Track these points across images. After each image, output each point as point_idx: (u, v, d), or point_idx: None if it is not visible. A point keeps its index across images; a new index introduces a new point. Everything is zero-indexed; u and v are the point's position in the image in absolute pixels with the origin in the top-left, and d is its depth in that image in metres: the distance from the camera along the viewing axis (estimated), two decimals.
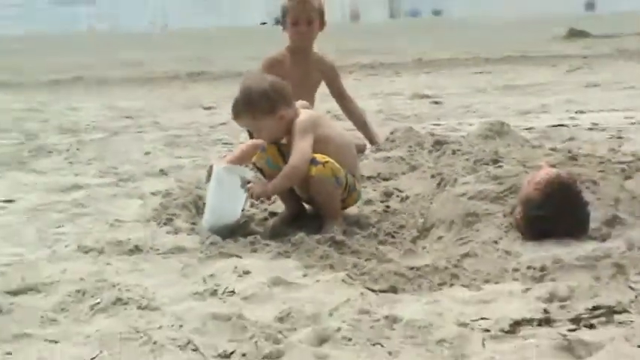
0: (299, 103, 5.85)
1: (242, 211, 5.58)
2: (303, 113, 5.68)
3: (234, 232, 5.48)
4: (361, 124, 8.01)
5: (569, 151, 6.68)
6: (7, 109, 12.38)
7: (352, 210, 5.81)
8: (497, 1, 30.54)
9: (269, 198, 5.72)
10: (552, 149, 7.07)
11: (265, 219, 5.89)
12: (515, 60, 15.84)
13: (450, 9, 29.88)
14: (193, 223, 5.77)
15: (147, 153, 8.47)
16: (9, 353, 3.87)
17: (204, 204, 5.75)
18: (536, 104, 10.62)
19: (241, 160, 5.78)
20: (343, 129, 6.48)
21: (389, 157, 6.77)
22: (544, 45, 18.04)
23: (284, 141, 5.70)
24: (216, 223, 5.53)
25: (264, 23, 28.84)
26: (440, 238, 5.25)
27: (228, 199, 5.57)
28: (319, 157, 5.48)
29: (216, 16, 31.09)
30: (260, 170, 5.66)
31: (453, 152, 6.71)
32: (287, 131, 5.65)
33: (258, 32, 26.79)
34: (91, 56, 20.29)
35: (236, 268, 4.84)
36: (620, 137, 7.91)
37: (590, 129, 8.50)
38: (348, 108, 8.05)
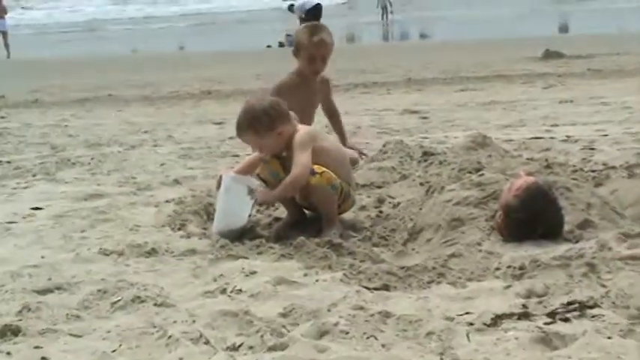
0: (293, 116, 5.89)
1: (249, 216, 5.59)
2: (302, 129, 5.72)
3: (242, 235, 5.48)
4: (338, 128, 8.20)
5: (545, 161, 6.67)
6: (38, 125, 12.37)
7: (348, 215, 5.82)
8: (478, 26, 30.57)
9: (272, 204, 5.74)
10: (530, 159, 7.07)
11: (270, 224, 5.89)
12: (496, 78, 15.80)
13: (436, 33, 29.96)
14: (204, 228, 5.78)
15: (162, 164, 8.47)
16: (37, 347, 3.88)
17: (214, 210, 5.75)
18: (515, 119, 10.62)
19: (248, 170, 5.78)
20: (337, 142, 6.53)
21: (381, 167, 6.77)
22: (522, 64, 18.01)
23: (284, 154, 5.72)
24: (225, 227, 5.54)
25: (269, 46, 28.79)
26: (428, 240, 5.26)
27: (236, 205, 5.57)
28: (316, 167, 5.54)
29: (226, 40, 31.17)
30: (264, 180, 5.67)
31: (440, 162, 6.71)
32: (286, 145, 5.69)
33: (264, 54, 26.74)
34: (111, 77, 20.24)
35: (243, 268, 4.88)
36: (591, 148, 7.91)
37: (564, 141, 8.49)
38: (334, 116, 8.15)
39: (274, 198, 5.65)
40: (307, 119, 7.65)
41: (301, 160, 5.54)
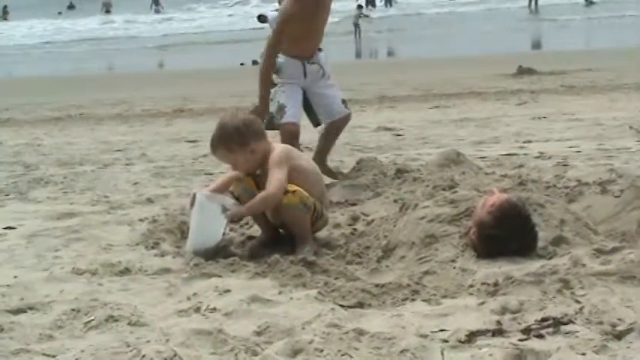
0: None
1: (223, 234, 5.59)
2: (278, 147, 5.74)
3: (216, 253, 5.48)
4: None
5: (519, 178, 6.70)
6: (9, 144, 12.34)
7: (322, 233, 5.83)
8: (451, 43, 30.63)
9: (241, 219, 5.75)
10: (503, 176, 7.10)
11: (244, 242, 5.89)
12: (469, 95, 15.87)
13: (408, 51, 29.97)
14: (178, 247, 5.77)
15: (135, 183, 8.46)
16: None
17: (187, 229, 5.75)
18: (488, 135, 10.66)
19: (222, 189, 5.79)
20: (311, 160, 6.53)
21: (355, 185, 6.79)
22: (495, 81, 18.09)
23: (258, 172, 5.73)
24: (200, 246, 5.54)
25: (243, 64, 28.77)
26: (402, 257, 5.26)
27: (209, 223, 5.57)
28: (288, 186, 5.56)
29: (201, 58, 31.23)
30: (237, 198, 5.67)
31: (414, 179, 6.74)
32: (261, 163, 5.69)
33: (238, 72, 26.74)
34: (84, 95, 20.21)
35: (217, 287, 4.87)
36: (564, 165, 7.95)
37: (537, 157, 8.53)
38: None
39: (245, 212, 5.66)
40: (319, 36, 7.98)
41: (277, 177, 5.55)
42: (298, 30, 7.76)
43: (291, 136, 7.64)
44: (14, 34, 51.36)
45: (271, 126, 7.76)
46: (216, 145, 5.76)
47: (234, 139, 5.67)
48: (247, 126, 5.72)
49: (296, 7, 7.69)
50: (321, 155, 7.89)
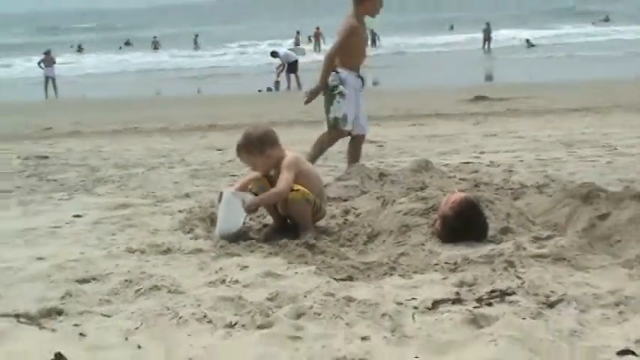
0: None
1: (243, 223, 5.57)
2: (289, 154, 5.73)
3: (238, 237, 5.47)
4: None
5: (474, 181, 6.70)
6: (78, 150, 12.33)
7: (320, 222, 5.81)
8: (422, 76, 30.76)
9: (256, 209, 5.74)
10: (462, 179, 7.10)
11: (260, 229, 5.87)
12: (437, 117, 15.85)
13: (387, 81, 30.18)
14: (208, 232, 5.75)
15: (175, 182, 8.45)
16: (76, 325, 3.86)
17: (216, 218, 5.73)
18: (450, 148, 10.65)
19: (243, 188, 5.78)
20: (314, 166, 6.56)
21: (347, 185, 6.78)
22: (457, 106, 18.09)
23: (272, 173, 5.72)
24: (225, 231, 5.53)
25: (260, 90, 28.82)
26: (383, 241, 5.27)
27: (233, 214, 5.56)
28: (294, 185, 5.57)
29: (228, 86, 31.38)
30: (254, 194, 5.67)
31: (392, 181, 6.73)
32: (274, 166, 5.69)
33: (256, 97, 26.80)
34: (137, 113, 20.23)
35: (238, 264, 4.89)
36: (510, 171, 7.94)
37: (489, 165, 8.52)
38: None
39: (259, 203, 5.66)
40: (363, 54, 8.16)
41: (286, 178, 5.56)
42: (355, 44, 7.91)
43: (341, 137, 8.17)
44: (85, 64, 51.40)
45: (335, 126, 8.05)
46: (241, 149, 5.78)
47: (256, 145, 5.69)
48: (266, 136, 5.74)
49: (356, 25, 7.85)
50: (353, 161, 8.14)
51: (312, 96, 8.18)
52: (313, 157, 8.06)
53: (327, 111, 8.04)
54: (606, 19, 63.39)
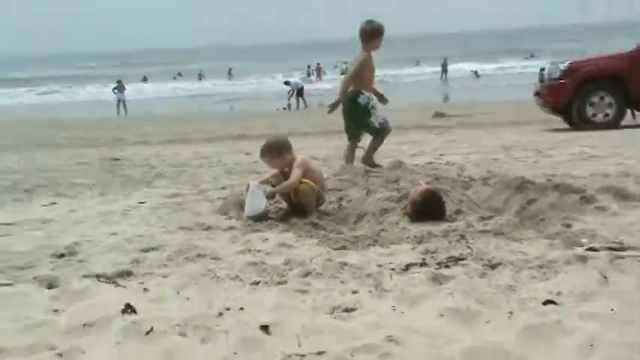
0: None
1: (264, 207, 5.57)
2: (299, 157, 5.75)
3: (260, 218, 5.46)
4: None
5: (435, 176, 6.67)
6: (142, 154, 12.35)
7: (322, 207, 5.79)
8: (393, 98, 31.25)
9: (274, 196, 5.74)
10: (427, 174, 7.06)
11: (277, 212, 5.86)
12: (408, 127, 15.80)
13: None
14: (239, 214, 5.74)
15: (214, 177, 8.47)
16: (141, 283, 3.88)
17: (244, 204, 5.73)
18: (418, 150, 10.63)
19: (265, 181, 5.78)
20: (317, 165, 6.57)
21: (341, 179, 6.75)
22: (423, 120, 18.11)
23: (286, 170, 5.73)
24: (251, 214, 5.52)
25: (278, 109, 28.97)
26: (368, 221, 5.26)
27: (256, 201, 5.56)
28: (303, 179, 5.56)
29: (252, 106, 31.52)
30: (273, 185, 5.67)
31: (375, 176, 6.70)
32: (288, 165, 5.70)
33: (275, 114, 26.85)
34: (186, 127, 20.29)
35: (260, 237, 4.89)
36: (462, 168, 7.91)
37: (446, 164, 8.49)
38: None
39: (276, 191, 5.66)
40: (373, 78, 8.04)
41: (296, 174, 5.58)
42: (369, 72, 7.90)
43: (388, 135, 8.21)
44: (148, 90, 51.53)
45: (384, 129, 8.07)
46: (264, 153, 5.79)
47: (275, 150, 5.71)
48: (282, 143, 5.77)
49: (367, 57, 7.82)
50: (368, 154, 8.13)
51: (333, 107, 8.17)
52: (368, 159, 8.04)
53: (368, 123, 7.96)
54: (532, 55, 63.45)
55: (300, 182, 5.57)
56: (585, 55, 14.94)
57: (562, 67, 13.51)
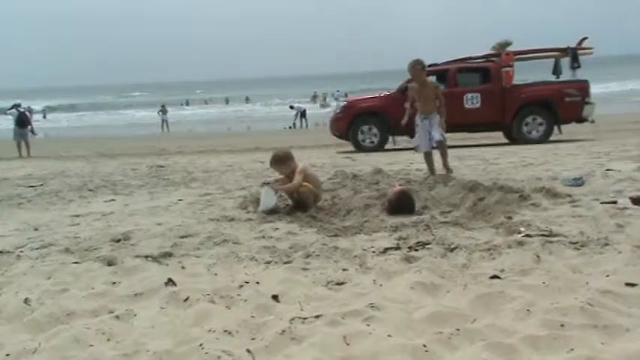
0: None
1: (274, 204, 5.56)
2: (300, 164, 5.74)
3: (272, 212, 5.45)
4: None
5: (407, 179, 6.68)
6: (181, 162, 12.34)
7: (319, 204, 5.79)
8: None
9: (278, 192, 5.72)
10: (400, 178, 7.07)
11: (284, 207, 5.85)
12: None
13: None
14: (255, 209, 5.73)
15: (236, 180, 8.45)
16: (179, 262, 3.87)
17: (259, 200, 5.73)
18: (393, 160, 10.62)
19: (274, 182, 5.78)
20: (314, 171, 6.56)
21: (334, 182, 6.76)
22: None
23: (290, 175, 5.73)
24: (264, 208, 5.51)
25: (284, 128, 28.85)
26: (355, 214, 5.25)
27: (269, 198, 5.56)
28: (304, 183, 5.56)
29: (265, 126, 31.46)
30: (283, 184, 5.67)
31: (360, 180, 6.71)
32: (292, 172, 5.69)
33: (283, 131, 26.80)
34: (215, 141, 20.24)
35: (272, 227, 4.87)
36: (427, 173, 7.88)
37: (417, 170, 8.47)
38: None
39: (282, 189, 5.65)
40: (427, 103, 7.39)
41: (297, 178, 5.58)
42: (416, 97, 7.50)
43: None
44: (186, 113, 51.19)
45: (445, 142, 7.52)
46: (273, 162, 5.78)
47: (281, 160, 5.71)
48: (287, 155, 5.75)
49: (413, 88, 7.54)
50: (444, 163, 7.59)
51: (408, 119, 7.70)
52: (446, 163, 7.61)
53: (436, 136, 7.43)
54: None
55: (301, 185, 5.55)
56: (362, 95, 15.69)
57: (342, 104, 14.48)
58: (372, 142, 13.78)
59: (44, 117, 51.26)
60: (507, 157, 10.05)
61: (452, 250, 3.84)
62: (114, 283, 3.48)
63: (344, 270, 3.54)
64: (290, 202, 5.88)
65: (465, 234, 4.28)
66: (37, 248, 4.44)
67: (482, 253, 3.74)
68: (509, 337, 2.46)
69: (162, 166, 11.28)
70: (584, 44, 14.03)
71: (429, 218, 4.84)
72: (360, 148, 13.69)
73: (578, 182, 6.24)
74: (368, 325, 2.64)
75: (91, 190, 7.94)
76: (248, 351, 2.43)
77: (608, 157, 8.74)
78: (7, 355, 2.53)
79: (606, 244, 3.75)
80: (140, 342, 2.59)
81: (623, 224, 4.24)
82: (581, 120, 13.39)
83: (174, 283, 3.34)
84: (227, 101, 63.49)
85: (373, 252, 3.90)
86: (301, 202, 5.68)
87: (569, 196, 5.46)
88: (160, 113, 34.49)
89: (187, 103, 63.45)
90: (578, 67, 13.90)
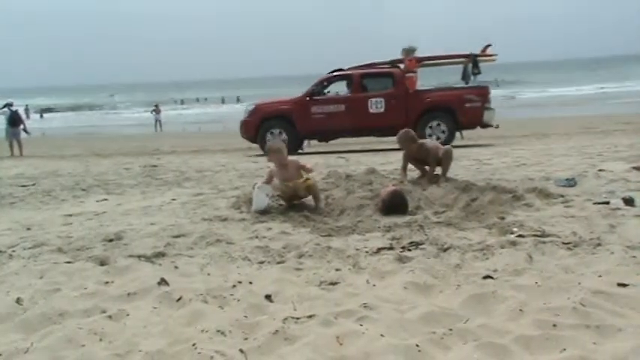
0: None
1: (266, 204, 5.54)
2: (291, 158, 5.82)
3: (264, 212, 5.45)
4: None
5: (401, 180, 6.67)
6: (174, 162, 12.30)
7: (310, 204, 5.78)
8: None
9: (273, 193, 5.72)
10: (394, 178, 7.07)
11: (277, 207, 5.84)
12: (376, 144, 15.84)
13: None
14: (248, 209, 5.72)
15: (230, 180, 8.43)
16: (172, 262, 3.86)
17: (252, 200, 5.72)
18: (386, 161, 10.63)
19: (267, 181, 5.74)
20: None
21: (327, 182, 6.74)
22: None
23: (284, 163, 5.73)
24: (257, 208, 5.50)
25: None
26: (348, 214, 5.25)
27: (261, 197, 5.55)
28: (308, 176, 5.60)
29: None
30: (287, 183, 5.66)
31: (354, 180, 6.69)
32: (285, 161, 5.71)
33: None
34: (209, 141, 20.18)
35: (265, 227, 4.87)
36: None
37: (409, 171, 8.50)
38: None
39: (316, 195, 5.62)
40: None
41: (311, 178, 5.68)
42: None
43: None
44: (184, 113, 50.85)
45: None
46: (270, 153, 5.72)
47: (277, 151, 5.67)
48: (280, 148, 5.72)
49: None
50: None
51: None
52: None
53: None
54: (497, 85, 61.26)
55: (307, 179, 5.54)
56: (270, 98, 15.80)
57: (249, 108, 14.40)
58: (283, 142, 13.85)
59: (41, 116, 50.95)
60: (500, 157, 10.09)
61: (445, 250, 3.84)
62: (106, 282, 3.47)
63: (337, 270, 3.54)
64: (283, 202, 5.88)
65: (458, 234, 4.29)
66: (29, 248, 4.42)
67: (475, 253, 3.75)
68: (502, 338, 2.46)
69: (155, 166, 11.24)
70: (488, 51, 14.42)
71: (422, 218, 4.85)
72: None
73: (570, 183, 6.27)
74: (361, 325, 2.65)
75: (83, 190, 7.91)
76: (241, 351, 2.42)
77: (600, 157, 8.79)
78: None
79: (599, 245, 3.77)
80: (133, 342, 2.58)
81: (615, 225, 4.26)
82: (483, 125, 13.70)
83: (167, 283, 3.33)
84: (223, 101, 63.23)
85: (366, 252, 3.90)
86: (314, 195, 5.59)
87: (562, 196, 5.48)
88: (153, 113, 34.38)
89: (182, 102, 63.16)
90: (479, 73, 14.30)
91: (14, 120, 18.51)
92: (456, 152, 7.38)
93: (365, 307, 2.84)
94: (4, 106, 19.53)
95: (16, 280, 3.60)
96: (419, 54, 14.04)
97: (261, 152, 13.71)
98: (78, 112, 59.81)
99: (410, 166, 6.98)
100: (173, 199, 6.66)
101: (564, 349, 2.34)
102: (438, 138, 13.37)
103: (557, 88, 48.37)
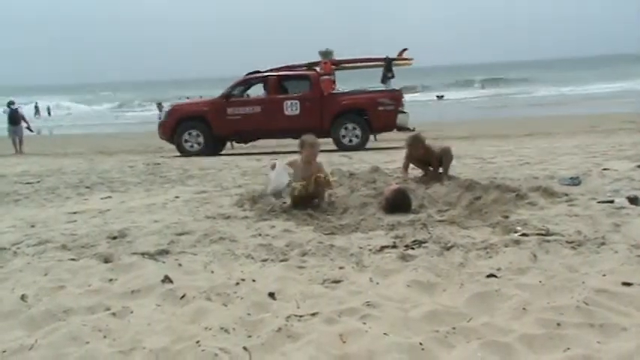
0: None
1: (286, 183, 5.53)
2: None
3: (280, 196, 5.45)
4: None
5: (404, 178, 6.66)
6: (178, 160, 12.31)
7: (315, 201, 5.77)
8: None
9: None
10: (397, 177, 7.06)
11: (281, 205, 5.83)
12: (380, 143, 15.82)
13: None
14: (252, 207, 5.71)
15: (233, 178, 8.43)
16: (176, 259, 3.86)
17: (259, 196, 5.69)
18: (390, 159, 10.62)
19: (289, 163, 5.62)
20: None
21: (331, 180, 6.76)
22: (391, 135, 18.08)
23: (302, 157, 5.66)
24: (274, 190, 5.48)
25: None
26: (351, 212, 5.24)
27: (282, 178, 5.52)
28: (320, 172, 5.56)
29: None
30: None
31: (357, 178, 6.70)
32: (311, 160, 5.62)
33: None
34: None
35: (269, 225, 4.87)
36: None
37: (412, 169, 8.49)
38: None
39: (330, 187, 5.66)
40: None
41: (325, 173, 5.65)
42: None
43: None
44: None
45: None
46: (305, 145, 5.57)
47: (312, 145, 5.56)
48: (316, 143, 5.62)
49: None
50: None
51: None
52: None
53: None
54: (483, 87, 61.45)
55: (326, 175, 5.54)
56: (187, 100, 15.91)
57: (166, 109, 14.55)
58: (193, 146, 13.92)
59: (49, 114, 50.99)
60: (504, 155, 10.06)
61: (448, 248, 3.84)
62: (110, 280, 3.48)
63: (340, 268, 3.54)
64: (287, 200, 5.87)
65: (461, 233, 4.28)
66: (33, 245, 4.44)
67: (478, 251, 3.75)
68: (506, 336, 2.46)
69: (158, 164, 11.26)
70: (405, 55, 14.72)
71: (425, 217, 4.84)
72: (184, 152, 13.81)
73: (574, 181, 6.25)
74: (364, 324, 2.65)
75: (87, 188, 7.93)
76: (245, 348, 2.43)
77: (605, 156, 8.76)
78: (4, 351, 2.53)
79: (603, 244, 3.76)
80: (136, 339, 2.58)
81: (619, 224, 4.25)
82: (398, 128, 13.86)
83: (170, 281, 3.34)
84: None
85: (370, 250, 3.90)
86: (321, 191, 5.54)
87: (566, 195, 5.47)
88: (158, 110, 34.43)
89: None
90: (392, 77, 14.55)
91: (15, 118, 18.61)
92: (459, 150, 7.34)
93: (368, 305, 2.84)
94: (8, 105, 19.59)
95: (21, 277, 3.62)
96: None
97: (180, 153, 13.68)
98: (80, 109, 59.80)
99: (410, 165, 6.98)
100: (177, 197, 6.67)
101: (568, 348, 2.33)
102: (351, 141, 13.71)
103: (561, 87, 48.29)
